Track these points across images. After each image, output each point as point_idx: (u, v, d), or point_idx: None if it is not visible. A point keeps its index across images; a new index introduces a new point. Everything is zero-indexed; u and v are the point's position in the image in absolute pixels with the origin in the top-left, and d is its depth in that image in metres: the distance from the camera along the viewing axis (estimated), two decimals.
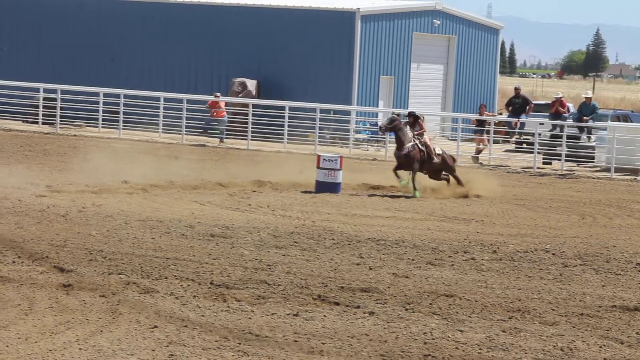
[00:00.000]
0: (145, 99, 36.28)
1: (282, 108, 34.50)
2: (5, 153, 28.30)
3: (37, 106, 37.14)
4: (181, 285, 12.85)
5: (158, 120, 36.04)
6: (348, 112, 35.36)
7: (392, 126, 23.90)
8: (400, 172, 23.52)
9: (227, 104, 36.51)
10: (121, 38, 40.37)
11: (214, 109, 35.92)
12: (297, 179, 23.87)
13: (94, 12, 40.99)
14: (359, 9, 38.01)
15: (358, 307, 12.24)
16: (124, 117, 36.13)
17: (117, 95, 36.32)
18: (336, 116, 35.31)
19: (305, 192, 22.86)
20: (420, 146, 23.69)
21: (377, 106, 38.69)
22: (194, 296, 12.36)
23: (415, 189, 23.28)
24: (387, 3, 41.25)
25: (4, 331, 10.45)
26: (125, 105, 36.17)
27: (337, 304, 12.33)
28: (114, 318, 11.21)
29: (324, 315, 11.79)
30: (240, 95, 37.77)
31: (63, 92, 36.78)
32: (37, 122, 36.89)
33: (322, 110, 34.72)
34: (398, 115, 24.61)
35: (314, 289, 13.04)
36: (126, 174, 23.19)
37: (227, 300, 12.24)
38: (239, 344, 10.54)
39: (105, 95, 36.64)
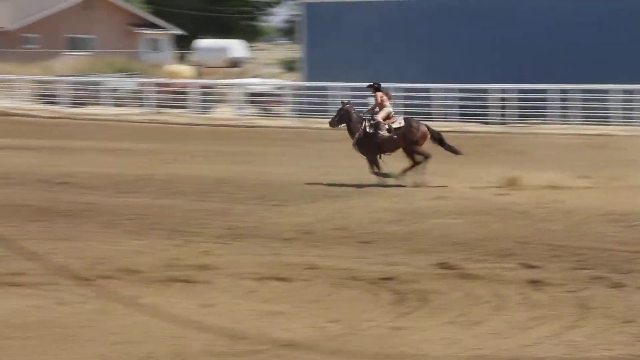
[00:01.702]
0: (596, 92, 35.81)
1: None
2: (467, 155, 28.57)
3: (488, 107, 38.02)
4: None
5: (608, 113, 35.58)
6: None
7: (339, 117, 21.58)
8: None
9: None
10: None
11: None
12: None
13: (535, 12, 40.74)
14: None
15: None
16: (575, 112, 36.02)
17: (566, 91, 36.35)
18: None
19: None
20: (368, 129, 21.17)
21: None
22: None
23: (382, 175, 21.12)
24: None
25: (478, 327, 10.68)
26: (575, 100, 36.03)
27: None
28: (584, 313, 11.10)
29: None
30: None
31: (511, 91, 37.24)
32: (489, 123, 37.61)
33: None
34: (347, 103, 21.86)
35: None
36: (581, 169, 22.89)
37: None
38: None
39: (560, 91, 36.54)
